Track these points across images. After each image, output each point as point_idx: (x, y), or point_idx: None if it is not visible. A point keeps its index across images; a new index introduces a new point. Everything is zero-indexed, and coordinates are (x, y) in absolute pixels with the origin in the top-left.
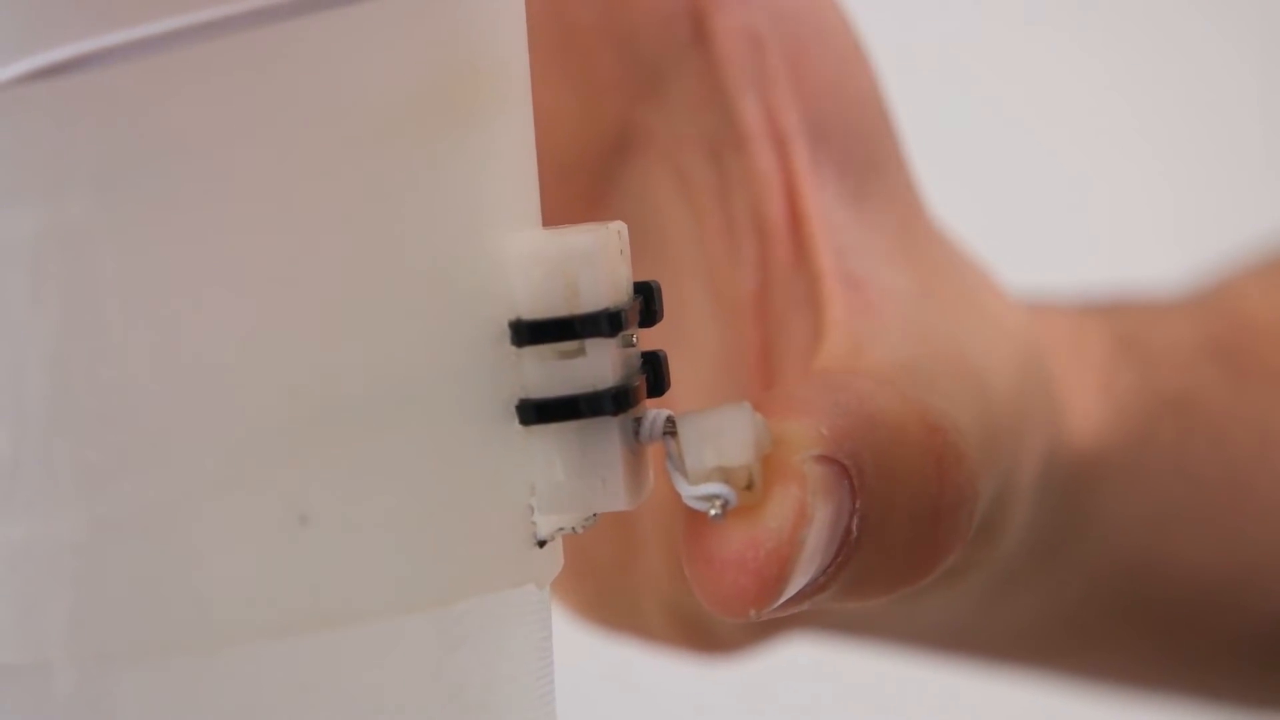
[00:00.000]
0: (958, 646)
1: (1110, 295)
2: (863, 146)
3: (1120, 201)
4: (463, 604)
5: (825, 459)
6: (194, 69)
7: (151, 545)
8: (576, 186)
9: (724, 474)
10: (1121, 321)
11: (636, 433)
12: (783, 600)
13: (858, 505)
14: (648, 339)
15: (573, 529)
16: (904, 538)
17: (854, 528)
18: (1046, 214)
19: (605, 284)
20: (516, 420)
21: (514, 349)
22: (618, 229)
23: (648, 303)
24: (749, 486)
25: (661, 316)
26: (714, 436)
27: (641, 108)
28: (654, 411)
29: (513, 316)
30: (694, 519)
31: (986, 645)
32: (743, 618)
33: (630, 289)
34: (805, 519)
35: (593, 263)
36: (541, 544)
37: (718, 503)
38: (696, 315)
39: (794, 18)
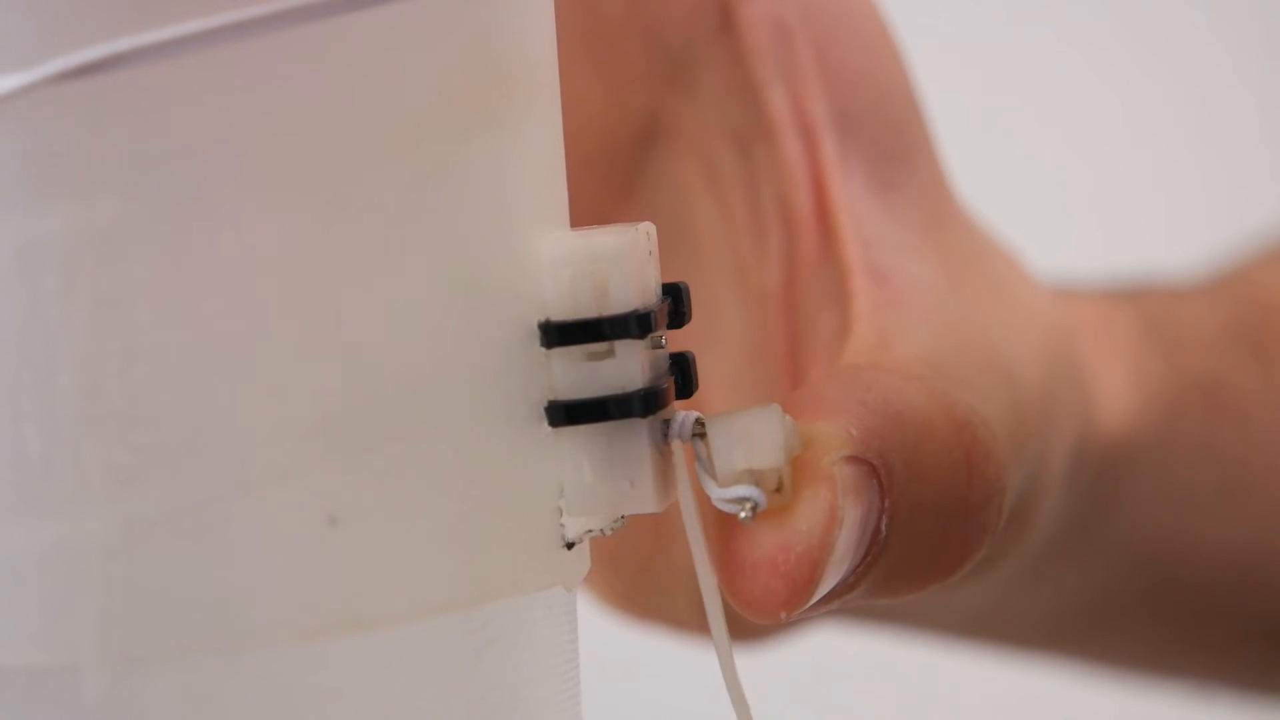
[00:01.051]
0: (983, 634)
1: (1132, 281)
2: (891, 137)
3: (1135, 189)
4: (491, 606)
5: (855, 459)
6: (225, 69)
7: (181, 547)
8: (604, 177)
9: (754, 476)
10: (1146, 306)
11: (665, 434)
12: (814, 601)
13: (887, 504)
14: (675, 333)
15: (601, 531)
16: (933, 535)
17: (883, 527)
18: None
19: (634, 285)
20: (545, 422)
21: (543, 350)
22: (646, 230)
23: (676, 304)
24: (779, 489)
25: (690, 318)
26: (743, 439)
27: (669, 98)
28: (683, 413)
29: (542, 318)
30: (725, 522)
31: (1012, 632)
32: (774, 619)
33: (659, 290)
34: (836, 521)
35: (621, 264)
36: (569, 546)
37: (748, 505)
38: (724, 308)
39: (821, 7)
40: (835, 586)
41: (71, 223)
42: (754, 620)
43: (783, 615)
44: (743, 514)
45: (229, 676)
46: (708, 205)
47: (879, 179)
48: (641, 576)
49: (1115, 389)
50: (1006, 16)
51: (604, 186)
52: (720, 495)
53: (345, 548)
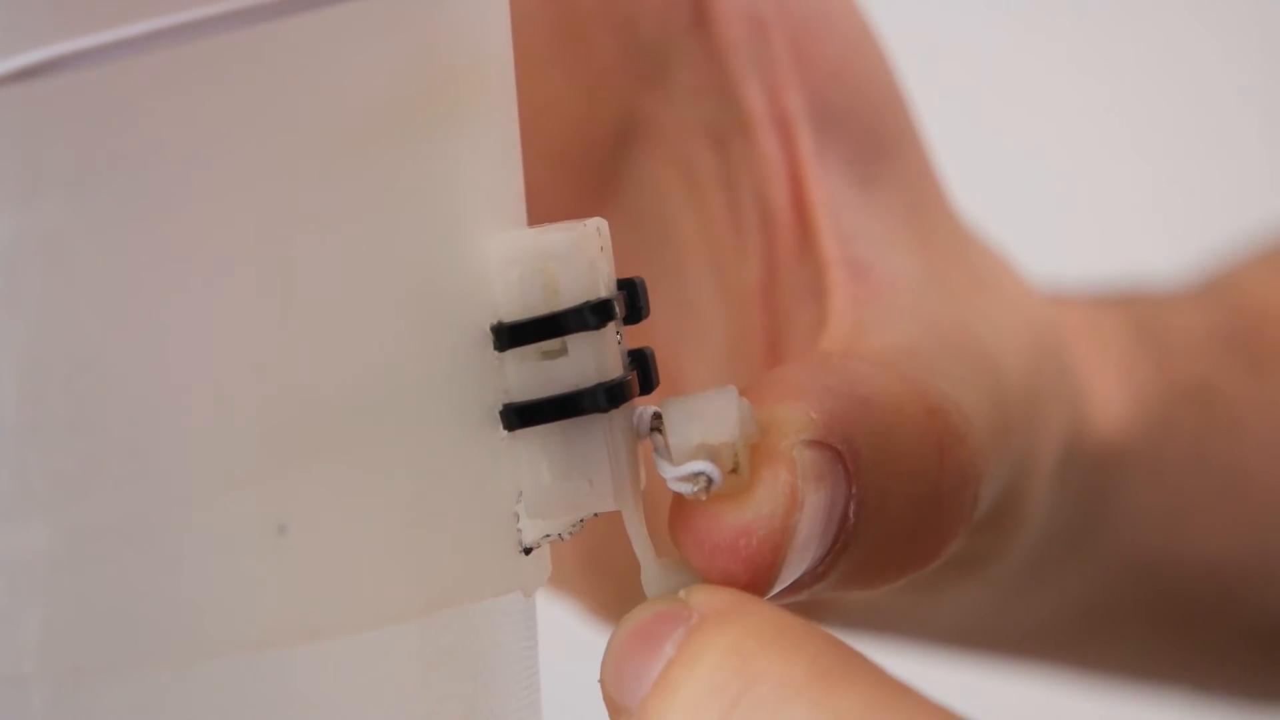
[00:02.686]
0: (977, 643)
1: (1121, 287)
2: (871, 129)
3: (1127, 193)
4: (447, 613)
5: (817, 444)
6: (170, 71)
7: (127, 557)
8: (580, 178)
9: (708, 451)
10: (1136, 311)
11: (624, 431)
12: (777, 589)
13: (854, 490)
14: (657, 332)
15: (559, 535)
16: (905, 522)
17: (851, 514)
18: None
19: (585, 280)
20: (500, 426)
21: (496, 354)
22: (597, 225)
23: (632, 298)
24: (735, 470)
25: (648, 313)
26: (698, 416)
27: (644, 95)
28: (641, 407)
29: (494, 320)
30: (685, 505)
31: (1005, 641)
32: None
33: (614, 285)
34: (796, 504)
35: (571, 260)
36: (527, 551)
37: (702, 479)
38: (704, 306)
39: (797, 1)
40: (803, 575)
41: (14, 227)
42: None
43: None
44: (696, 488)
45: (178, 687)
46: (687, 204)
47: (859, 171)
48: (631, 586)
49: (1106, 392)
50: (998, 18)
51: (581, 188)
52: (674, 474)
53: (294, 556)
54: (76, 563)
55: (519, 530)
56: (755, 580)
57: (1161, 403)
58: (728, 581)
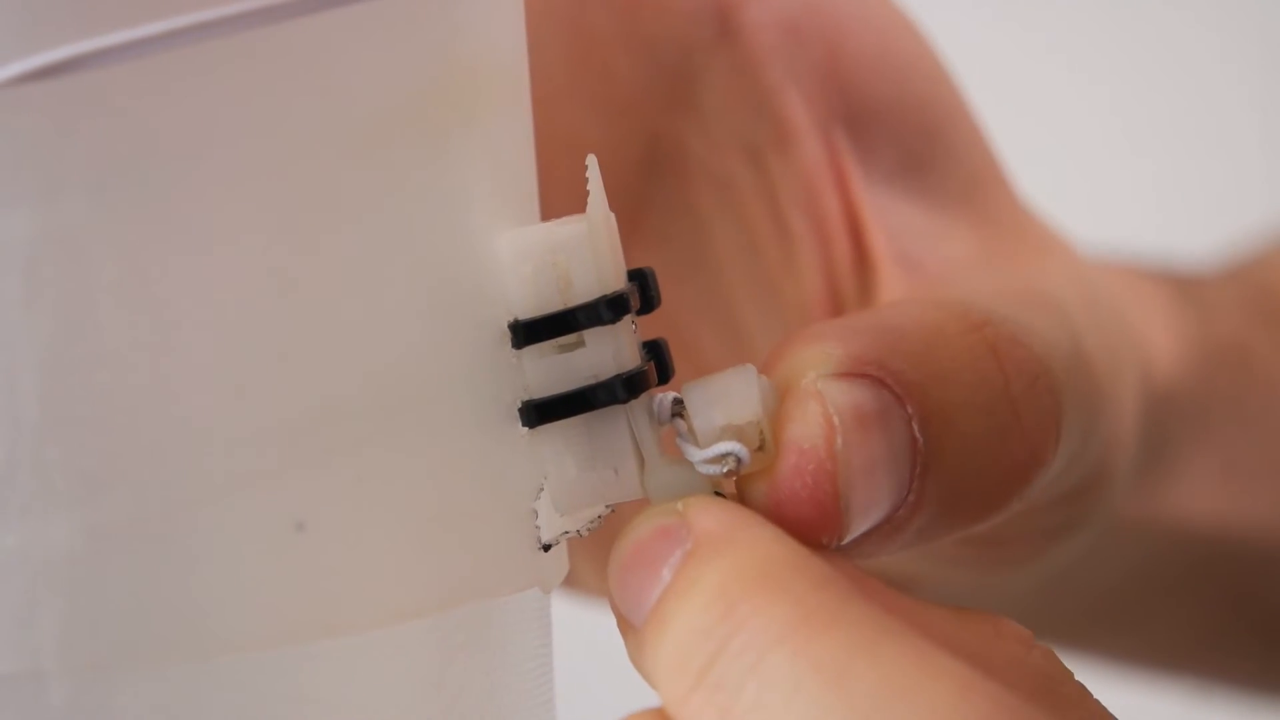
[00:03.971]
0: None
1: (1150, 261)
2: (915, 114)
3: (1119, 195)
4: (464, 609)
5: (848, 375)
6: (190, 70)
7: (146, 553)
8: (610, 207)
9: (734, 432)
10: (1173, 274)
11: (646, 419)
12: (861, 521)
13: (910, 410)
14: (704, 357)
15: (577, 532)
16: (986, 432)
17: (917, 433)
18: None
19: (597, 271)
20: (519, 423)
21: (513, 352)
22: (605, 217)
23: (644, 289)
24: (761, 448)
25: (659, 303)
26: (721, 398)
27: (670, 119)
28: (660, 394)
29: (510, 318)
30: (734, 491)
31: (1057, 622)
32: (822, 546)
33: (625, 276)
34: (834, 428)
35: (582, 252)
36: (546, 548)
37: (730, 459)
38: (752, 326)
39: None
40: (896, 510)
41: (36, 225)
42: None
43: (825, 540)
44: (725, 469)
45: (196, 683)
46: (724, 224)
47: (908, 158)
48: None
49: (1159, 349)
50: (998, 18)
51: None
52: (701, 456)
53: (312, 553)
54: (96, 559)
55: (537, 527)
56: (826, 516)
57: (1205, 361)
58: (803, 527)
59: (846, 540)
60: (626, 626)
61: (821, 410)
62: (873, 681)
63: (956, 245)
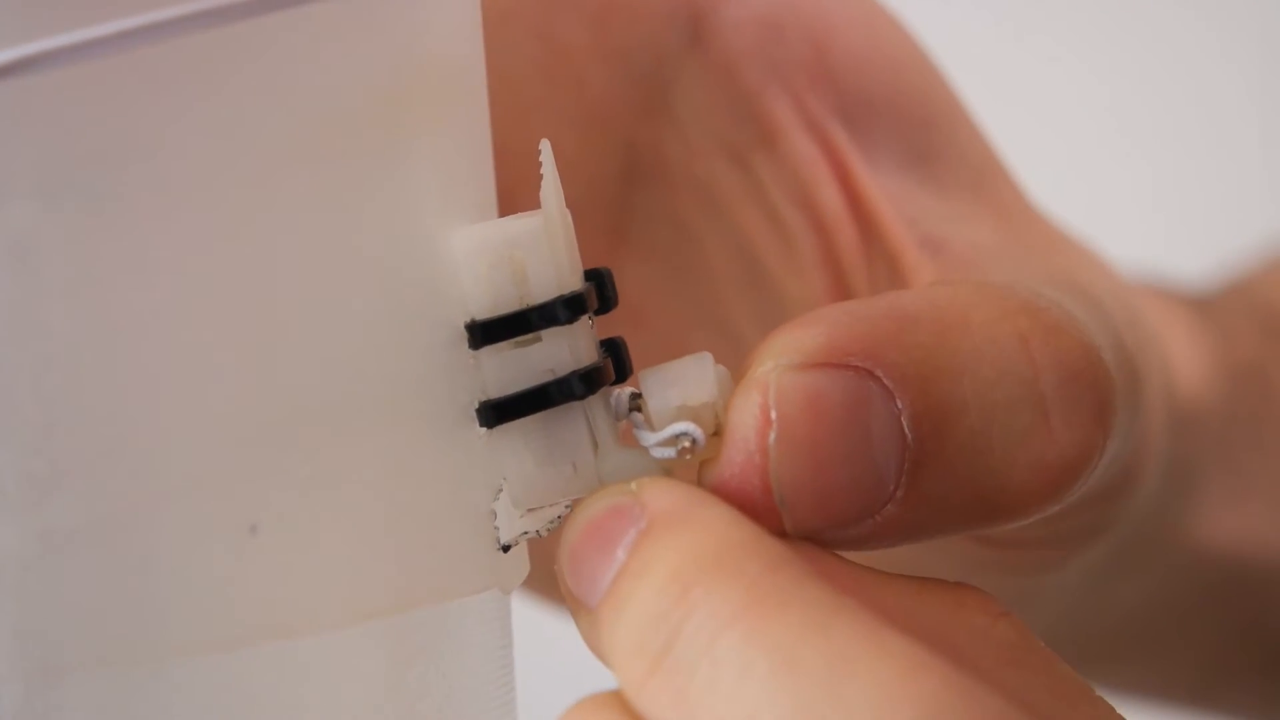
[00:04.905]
0: (1064, 637)
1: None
2: (915, 106)
3: (1120, 197)
4: (420, 612)
5: (817, 365)
6: (141, 73)
7: (97, 557)
8: (590, 221)
9: (690, 413)
10: (1187, 293)
11: (604, 414)
12: (820, 519)
13: (901, 405)
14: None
15: (537, 532)
16: (1004, 434)
17: (906, 429)
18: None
19: (554, 266)
20: (477, 423)
21: (470, 353)
22: (560, 210)
23: (600, 289)
24: (716, 434)
25: (616, 303)
26: (677, 381)
27: (647, 127)
28: (618, 390)
29: (466, 317)
30: (695, 473)
31: (1079, 649)
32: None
33: (581, 273)
34: (768, 422)
35: (538, 246)
36: (505, 549)
37: (685, 439)
38: (746, 329)
39: None
40: (877, 505)
41: None
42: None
43: (772, 530)
44: (679, 450)
45: (149, 686)
46: (714, 231)
47: (913, 151)
48: None
49: (1181, 361)
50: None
51: (592, 230)
52: (656, 439)
53: (266, 556)
54: (47, 563)
55: (496, 528)
56: (757, 507)
57: (1225, 382)
58: (749, 516)
59: (800, 530)
60: (579, 607)
61: (760, 401)
62: (821, 662)
63: (981, 230)
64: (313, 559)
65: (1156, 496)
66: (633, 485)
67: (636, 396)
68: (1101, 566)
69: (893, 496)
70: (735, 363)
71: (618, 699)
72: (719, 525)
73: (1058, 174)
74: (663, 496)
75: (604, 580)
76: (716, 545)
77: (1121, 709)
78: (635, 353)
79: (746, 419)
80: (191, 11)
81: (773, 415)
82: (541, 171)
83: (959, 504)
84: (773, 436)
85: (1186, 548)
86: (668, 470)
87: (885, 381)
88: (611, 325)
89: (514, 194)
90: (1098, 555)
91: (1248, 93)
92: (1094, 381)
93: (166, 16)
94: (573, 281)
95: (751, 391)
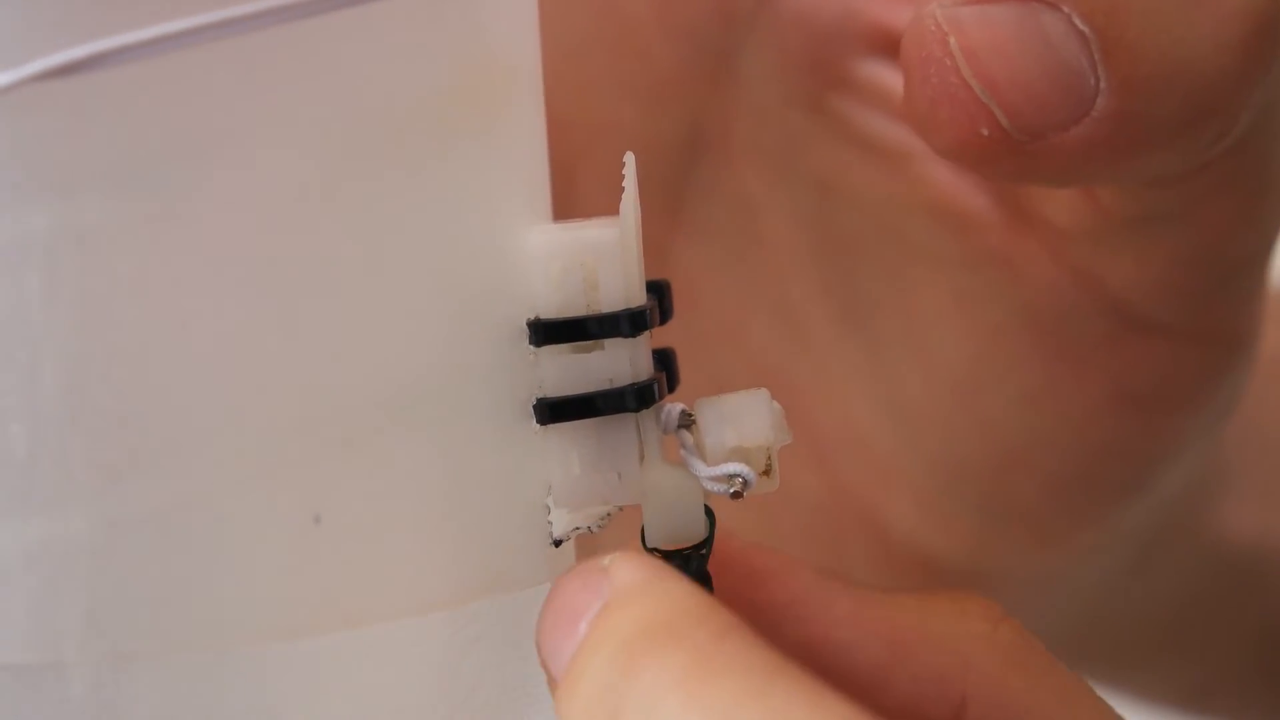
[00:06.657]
0: (1086, 639)
1: None
2: None
3: None
4: (477, 604)
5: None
6: (210, 68)
7: (166, 545)
8: (647, 201)
9: (743, 454)
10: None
11: (653, 428)
12: (1036, 112)
13: (1066, 9)
14: (768, 356)
15: (588, 529)
16: (1175, 6)
17: (1081, 25)
18: None
19: (624, 280)
20: (533, 419)
21: (531, 349)
22: (636, 220)
23: (661, 303)
24: (767, 472)
25: (671, 315)
26: (733, 418)
27: (711, 98)
28: (670, 405)
29: (531, 315)
30: None
31: (1111, 641)
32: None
33: (644, 288)
34: (943, 31)
35: (612, 256)
36: (557, 544)
37: (737, 481)
38: (822, 305)
39: None
40: (1086, 100)
41: (54, 221)
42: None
43: (989, 130)
44: (732, 491)
45: (213, 673)
46: (777, 202)
47: None
48: None
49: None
50: None
51: (647, 214)
52: (709, 474)
53: (329, 545)
54: (117, 552)
55: (549, 523)
56: (967, 106)
57: (1263, 373)
58: (951, 128)
59: (1022, 127)
60: (550, 682)
61: (931, 13)
62: None
63: None
64: (375, 549)
65: (1197, 472)
66: (606, 561)
67: (688, 415)
68: (1120, 566)
69: (1098, 89)
70: (791, 343)
71: None
72: (675, 595)
73: None
74: (629, 570)
75: (566, 654)
76: (668, 614)
77: (1123, 710)
78: (687, 334)
79: (921, 31)
80: (260, 9)
81: (946, 30)
82: (624, 184)
83: (1163, 84)
84: (953, 41)
85: (1210, 544)
86: (707, 499)
87: None
88: None
89: (572, 169)
90: (1116, 557)
91: None
92: None
93: (233, 15)
94: (639, 296)
95: (922, 20)
